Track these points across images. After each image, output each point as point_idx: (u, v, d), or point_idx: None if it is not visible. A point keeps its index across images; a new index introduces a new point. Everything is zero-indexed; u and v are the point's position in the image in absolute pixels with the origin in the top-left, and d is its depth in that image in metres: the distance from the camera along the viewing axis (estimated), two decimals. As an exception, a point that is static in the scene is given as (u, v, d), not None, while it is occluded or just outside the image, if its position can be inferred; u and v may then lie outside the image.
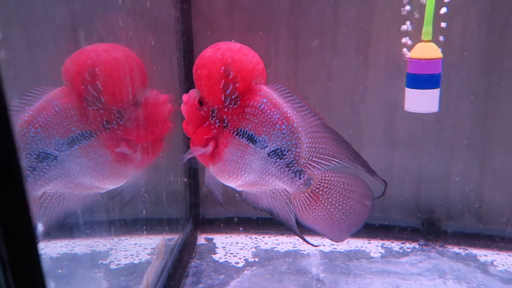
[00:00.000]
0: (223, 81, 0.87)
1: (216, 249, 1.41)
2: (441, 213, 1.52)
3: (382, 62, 1.42)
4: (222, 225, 1.56)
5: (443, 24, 1.27)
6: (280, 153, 0.89)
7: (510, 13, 1.35)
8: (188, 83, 1.42)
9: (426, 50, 1.23)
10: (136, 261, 1.26)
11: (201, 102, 0.92)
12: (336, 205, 0.93)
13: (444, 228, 1.52)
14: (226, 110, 0.90)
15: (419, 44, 1.24)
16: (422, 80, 1.26)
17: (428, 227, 1.52)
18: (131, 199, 0.99)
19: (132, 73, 0.88)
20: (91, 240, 1.32)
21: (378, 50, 1.42)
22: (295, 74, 1.46)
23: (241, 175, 0.92)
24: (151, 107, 0.92)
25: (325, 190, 0.93)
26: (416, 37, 1.27)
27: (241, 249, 1.42)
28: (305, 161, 0.91)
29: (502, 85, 1.40)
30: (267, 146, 0.89)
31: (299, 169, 0.91)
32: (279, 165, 0.90)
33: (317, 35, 1.42)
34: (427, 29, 1.21)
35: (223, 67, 0.86)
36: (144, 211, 1.21)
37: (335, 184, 0.93)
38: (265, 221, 1.55)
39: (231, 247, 1.44)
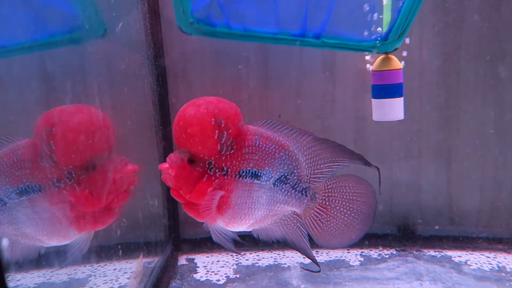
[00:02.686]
0: (216, 131, 0.91)
1: (197, 269, 1.41)
2: (415, 219, 1.57)
3: (349, 78, 1.50)
4: (202, 245, 1.56)
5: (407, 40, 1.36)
6: (284, 179, 0.96)
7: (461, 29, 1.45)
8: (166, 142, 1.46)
9: (387, 62, 1.31)
10: (116, 286, 1.25)
11: (192, 160, 0.94)
12: (345, 210, 1.00)
13: (419, 233, 1.56)
14: (223, 158, 0.94)
15: (381, 57, 1.32)
16: (385, 90, 1.33)
17: (404, 233, 1.57)
18: (70, 260, 1.00)
19: (93, 138, 0.90)
20: (69, 268, 1.30)
21: (344, 67, 1.50)
22: (266, 96, 1.51)
23: (252, 214, 0.97)
24: (108, 174, 0.93)
25: (331, 199, 0.99)
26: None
27: (222, 266, 1.42)
28: (307, 177, 0.98)
29: (461, 96, 1.49)
30: (271, 176, 0.95)
31: (304, 186, 0.97)
32: (285, 190, 0.96)
33: (286, 55, 1.49)
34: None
35: (213, 119, 0.92)
36: (122, 236, 1.21)
37: (339, 189, 1.00)
38: (245, 238, 1.56)
39: (212, 265, 1.44)
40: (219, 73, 1.49)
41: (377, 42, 1.21)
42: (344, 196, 0.99)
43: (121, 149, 1.24)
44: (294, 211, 0.99)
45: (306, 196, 0.97)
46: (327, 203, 0.99)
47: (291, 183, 0.96)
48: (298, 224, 1.00)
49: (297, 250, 1.02)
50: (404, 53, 1.34)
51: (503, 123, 1.48)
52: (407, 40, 1.35)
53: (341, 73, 1.51)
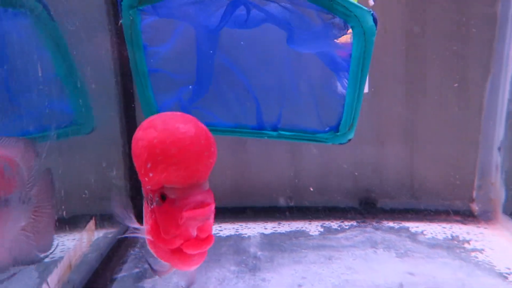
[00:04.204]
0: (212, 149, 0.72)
1: (158, 238, 1.42)
2: (377, 193, 1.60)
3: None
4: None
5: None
6: None
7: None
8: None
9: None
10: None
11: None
12: None
13: (380, 206, 1.59)
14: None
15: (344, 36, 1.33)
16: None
17: (365, 206, 1.59)
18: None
19: None
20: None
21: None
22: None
23: None
24: None
25: None
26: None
27: (183, 236, 1.43)
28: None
29: (425, 71, 1.50)
30: None
31: None
32: None
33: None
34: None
35: (203, 138, 0.71)
36: (83, 208, 1.22)
37: None
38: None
39: (174, 235, 1.45)
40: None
41: (330, 133, 1.20)
42: None
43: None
44: None
45: None
46: None
47: None
48: None
49: None
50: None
51: (466, 99, 1.50)
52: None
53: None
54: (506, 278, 1.12)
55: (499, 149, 1.44)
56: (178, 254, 0.73)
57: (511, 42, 1.38)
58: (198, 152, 0.68)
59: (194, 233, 0.70)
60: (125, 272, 1.20)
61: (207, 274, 1.18)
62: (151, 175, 0.68)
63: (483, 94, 1.46)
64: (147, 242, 0.80)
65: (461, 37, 1.46)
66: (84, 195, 1.29)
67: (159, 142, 0.68)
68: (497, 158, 1.45)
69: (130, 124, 1.55)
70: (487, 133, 1.47)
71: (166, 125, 0.70)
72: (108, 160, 1.43)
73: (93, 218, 1.19)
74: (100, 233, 1.32)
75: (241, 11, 1.10)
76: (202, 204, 0.68)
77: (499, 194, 1.45)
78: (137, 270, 1.21)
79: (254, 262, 1.24)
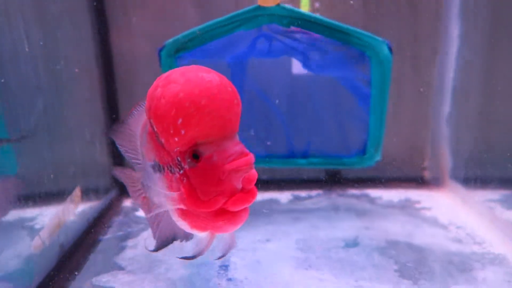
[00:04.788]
0: (238, 97, 0.68)
1: (139, 209, 1.54)
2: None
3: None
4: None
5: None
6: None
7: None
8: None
9: None
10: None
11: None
12: None
13: (345, 176, 1.75)
14: None
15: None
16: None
17: (332, 177, 1.74)
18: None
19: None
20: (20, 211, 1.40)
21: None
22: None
23: None
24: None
25: None
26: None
27: (164, 206, 1.55)
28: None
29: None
30: None
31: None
32: None
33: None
34: (304, 2, 1.44)
35: (229, 85, 0.67)
36: (67, 182, 1.32)
37: None
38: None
39: (155, 206, 1.57)
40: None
41: (358, 157, 1.29)
42: None
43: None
44: None
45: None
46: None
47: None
48: None
49: None
50: (317, 4, 1.49)
51: (418, 75, 1.65)
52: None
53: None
54: (446, 228, 1.29)
55: (447, 122, 1.61)
56: (221, 215, 0.67)
57: (456, 22, 1.55)
58: (228, 100, 0.64)
59: (239, 186, 0.65)
60: (110, 235, 1.32)
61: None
62: (183, 132, 0.62)
63: (432, 71, 1.62)
64: (176, 216, 0.73)
65: (414, 17, 1.62)
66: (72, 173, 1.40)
67: (187, 94, 0.62)
68: (445, 130, 1.62)
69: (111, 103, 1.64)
70: (436, 107, 1.64)
71: (187, 77, 0.64)
72: (92, 140, 1.54)
73: (78, 187, 1.29)
74: (87, 205, 1.43)
75: (263, 43, 1.20)
76: (242, 154, 0.64)
77: (447, 162, 1.62)
78: (121, 233, 1.33)
79: (228, 223, 1.38)
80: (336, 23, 1.16)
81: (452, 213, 1.40)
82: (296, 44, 1.20)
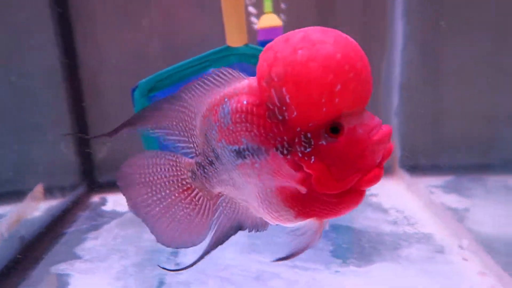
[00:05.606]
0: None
1: (107, 203, 1.62)
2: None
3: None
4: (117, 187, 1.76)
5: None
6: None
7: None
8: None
9: (269, 19, 1.54)
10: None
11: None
12: None
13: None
14: None
15: (263, 16, 1.54)
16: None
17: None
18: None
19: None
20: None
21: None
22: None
23: None
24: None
25: None
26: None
27: (129, 201, 1.64)
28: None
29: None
30: None
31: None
32: None
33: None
34: (267, 3, 1.52)
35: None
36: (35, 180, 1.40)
37: None
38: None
39: (122, 201, 1.64)
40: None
41: None
42: None
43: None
44: None
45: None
46: None
47: None
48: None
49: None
50: (282, 5, 1.58)
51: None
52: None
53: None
54: (387, 211, 1.40)
55: (395, 114, 1.72)
56: (349, 196, 0.59)
57: (400, 21, 1.65)
58: (368, 65, 0.56)
59: (378, 160, 0.58)
60: (73, 228, 1.40)
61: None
62: (337, 101, 0.53)
63: (381, 67, 1.72)
64: (274, 204, 0.62)
65: (365, 16, 1.72)
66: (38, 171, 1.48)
67: (344, 56, 0.53)
68: (394, 122, 1.72)
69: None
70: (385, 100, 1.74)
71: (333, 36, 0.55)
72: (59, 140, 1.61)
73: (40, 184, 1.38)
74: (53, 201, 1.51)
75: None
76: (382, 126, 0.57)
77: (396, 152, 1.73)
78: (84, 226, 1.41)
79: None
80: None
81: (395, 199, 1.50)
82: None
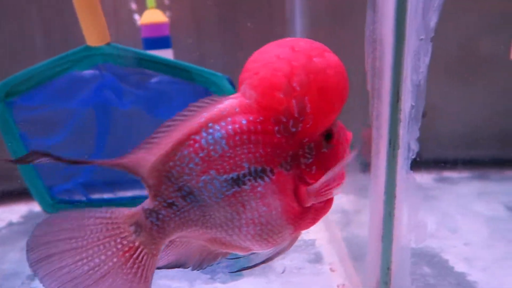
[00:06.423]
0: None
1: None
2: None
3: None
4: None
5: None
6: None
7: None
8: None
9: (153, 16, 1.44)
10: None
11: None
12: None
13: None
14: None
15: (146, 11, 1.44)
16: (154, 42, 1.46)
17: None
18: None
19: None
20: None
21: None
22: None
23: None
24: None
25: None
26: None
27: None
28: None
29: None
30: None
31: None
32: None
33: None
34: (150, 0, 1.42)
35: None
36: None
37: None
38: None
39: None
40: None
41: None
42: None
43: None
44: None
45: None
46: None
47: None
48: None
49: None
50: (166, 1, 1.49)
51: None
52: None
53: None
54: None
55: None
56: (330, 200, 0.60)
57: (299, 21, 1.61)
58: None
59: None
60: None
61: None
62: (341, 107, 0.56)
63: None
64: (279, 224, 0.58)
65: (269, 17, 1.67)
66: None
67: (340, 66, 0.56)
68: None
69: None
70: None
71: (322, 45, 0.57)
72: None
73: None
74: None
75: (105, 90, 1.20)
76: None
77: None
78: None
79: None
80: (177, 62, 1.17)
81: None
82: (138, 92, 1.22)
